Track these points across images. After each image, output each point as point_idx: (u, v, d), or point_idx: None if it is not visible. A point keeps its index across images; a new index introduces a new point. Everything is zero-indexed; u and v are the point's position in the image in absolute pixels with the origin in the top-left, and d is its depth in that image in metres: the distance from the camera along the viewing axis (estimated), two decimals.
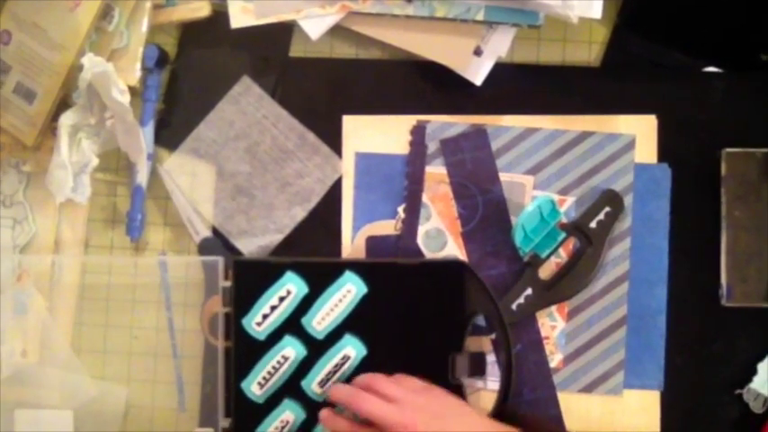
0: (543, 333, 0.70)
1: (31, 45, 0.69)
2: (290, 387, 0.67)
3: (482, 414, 0.65)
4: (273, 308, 0.67)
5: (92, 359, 0.73)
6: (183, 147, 0.73)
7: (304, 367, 0.67)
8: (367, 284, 0.67)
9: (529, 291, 0.69)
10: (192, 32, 0.73)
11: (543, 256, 0.69)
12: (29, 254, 0.74)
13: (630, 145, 0.70)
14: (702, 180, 0.70)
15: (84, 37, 0.69)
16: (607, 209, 0.68)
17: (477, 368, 0.68)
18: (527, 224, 0.67)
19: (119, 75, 0.67)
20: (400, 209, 0.71)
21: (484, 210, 0.71)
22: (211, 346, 0.70)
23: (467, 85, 0.69)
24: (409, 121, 0.72)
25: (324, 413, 0.65)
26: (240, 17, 0.70)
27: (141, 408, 0.73)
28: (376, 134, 0.72)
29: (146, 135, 0.71)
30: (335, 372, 0.67)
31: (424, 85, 0.72)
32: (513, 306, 0.68)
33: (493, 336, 0.69)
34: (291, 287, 0.67)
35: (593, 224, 0.68)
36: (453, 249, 0.71)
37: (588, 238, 0.68)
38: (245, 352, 0.67)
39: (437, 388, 0.65)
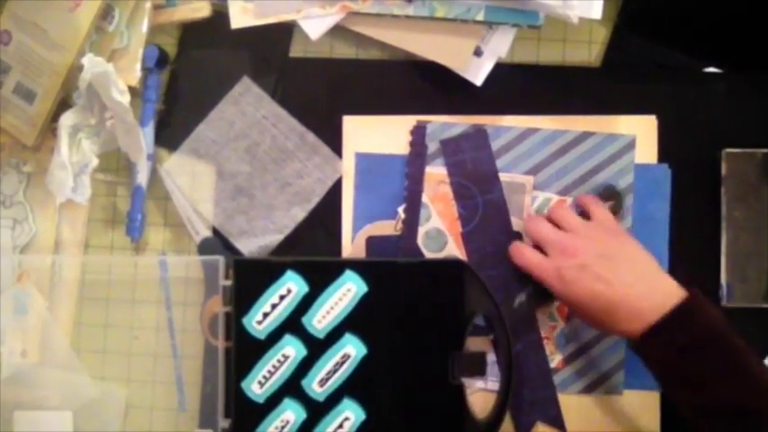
0: (543, 333, 0.70)
1: (32, 45, 0.69)
2: (291, 386, 0.67)
3: (660, 271, 0.59)
4: (274, 306, 0.67)
5: (92, 359, 0.73)
6: (183, 147, 0.73)
7: (304, 366, 0.67)
8: (367, 283, 0.67)
9: (530, 288, 0.69)
10: (192, 33, 0.74)
11: None
12: (29, 254, 0.74)
13: (630, 145, 0.70)
14: (702, 180, 0.70)
15: (85, 37, 0.69)
16: (606, 205, 0.68)
17: (477, 368, 0.68)
18: None
19: (119, 75, 0.67)
20: (400, 209, 0.71)
21: (484, 210, 0.71)
22: (211, 347, 0.70)
23: (467, 85, 0.69)
24: (409, 121, 0.72)
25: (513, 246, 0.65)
26: (240, 17, 0.70)
27: (141, 408, 0.73)
28: (376, 134, 0.72)
29: (146, 135, 0.71)
30: (335, 371, 0.67)
31: (424, 86, 0.72)
32: (515, 304, 0.68)
33: (492, 336, 0.69)
34: (292, 285, 0.67)
35: None
36: (453, 250, 0.71)
37: None
38: (246, 351, 0.67)
39: (629, 237, 0.61)
